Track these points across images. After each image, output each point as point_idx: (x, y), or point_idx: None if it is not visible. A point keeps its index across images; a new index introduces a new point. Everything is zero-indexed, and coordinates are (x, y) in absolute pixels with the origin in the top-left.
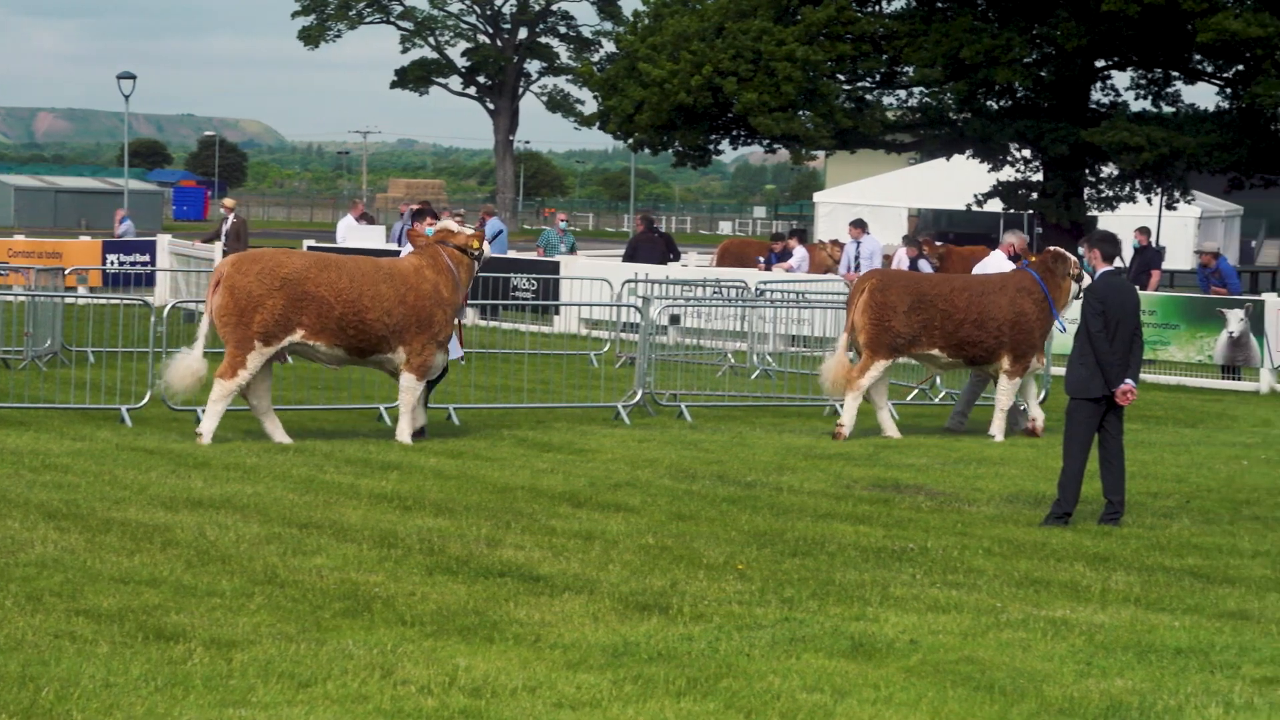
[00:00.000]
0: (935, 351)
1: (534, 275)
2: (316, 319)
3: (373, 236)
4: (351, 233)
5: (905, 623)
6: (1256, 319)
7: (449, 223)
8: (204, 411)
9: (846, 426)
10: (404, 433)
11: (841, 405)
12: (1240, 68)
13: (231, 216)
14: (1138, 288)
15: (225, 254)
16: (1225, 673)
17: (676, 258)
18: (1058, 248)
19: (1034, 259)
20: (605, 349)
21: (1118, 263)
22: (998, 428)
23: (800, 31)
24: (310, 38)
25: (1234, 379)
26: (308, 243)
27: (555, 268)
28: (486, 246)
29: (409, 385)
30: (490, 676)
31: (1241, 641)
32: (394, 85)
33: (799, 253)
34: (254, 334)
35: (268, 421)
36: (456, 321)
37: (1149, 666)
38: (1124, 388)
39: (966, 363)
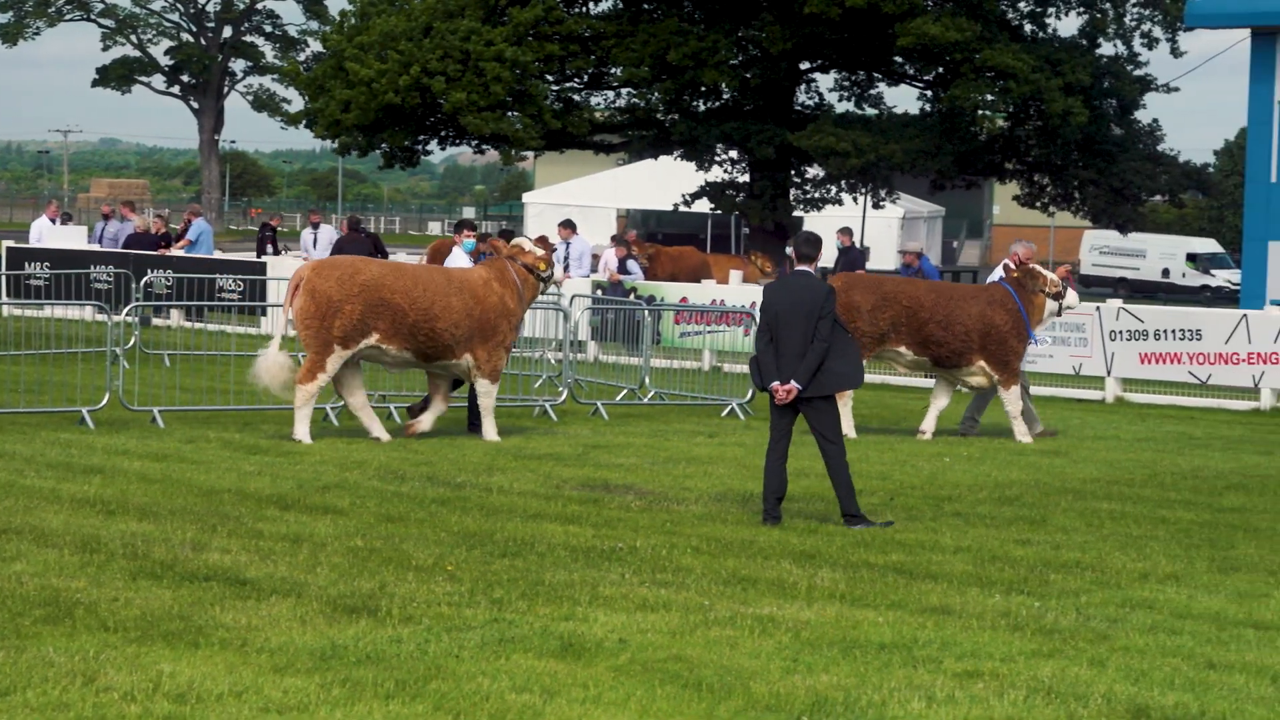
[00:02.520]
0: (902, 349)
1: (240, 276)
2: (390, 325)
3: (73, 237)
4: (48, 233)
5: (614, 622)
6: None
7: (523, 241)
8: None
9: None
10: (490, 431)
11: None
12: (940, 70)
13: None
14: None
15: None
16: (928, 667)
17: (384, 258)
18: (1032, 265)
19: (1015, 273)
20: None
21: (836, 264)
22: (1021, 432)
23: (509, 32)
24: (8, 35)
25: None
26: (6, 243)
27: (262, 268)
28: (558, 270)
29: (485, 390)
30: (195, 682)
31: (943, 636)
32: (95, 84)
33: None
34: (333, 337)
35: (365, 416)
36: None
37: (854, 662)
38: (775, 386)
39: (933, 363)
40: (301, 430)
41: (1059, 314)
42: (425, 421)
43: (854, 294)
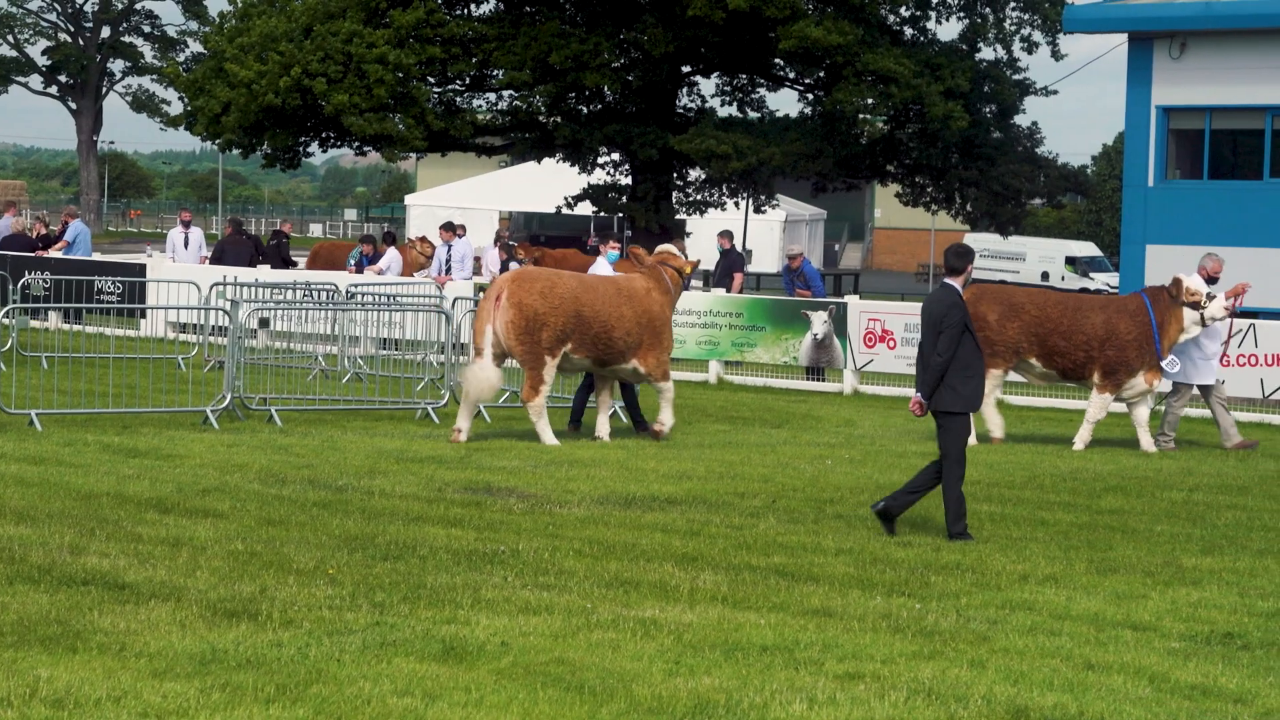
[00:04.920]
0: (1032, 360)
1: (119, 278)
2: (580, 335)
3: None
4: None
5: (496, 625)
6: (840, 321)
7: (671, 247)
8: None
9: (996, 429)
10: (668, 418)
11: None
12: (821, 74)
13: None
14: (724, 291)
15: None
16: (809, 669)
17: (265, 260)
18: (1178, 275)
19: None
20: (194, 352)
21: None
22: (1081, 438)
23: (390, 34)
24: None
25: (818, 380)
26: None
27: (141, 270)
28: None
29: (664, 387)
30: (73, 687)
31: (825, 638)
32: None
33: (390, 255)
34: (542, 349)
35: (540, 423)
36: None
37: (736, 664)
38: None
39: (1060, 375)
40: (547, 437)
41: (1202, 324)
42: (602, 427)
43: (981, 305)
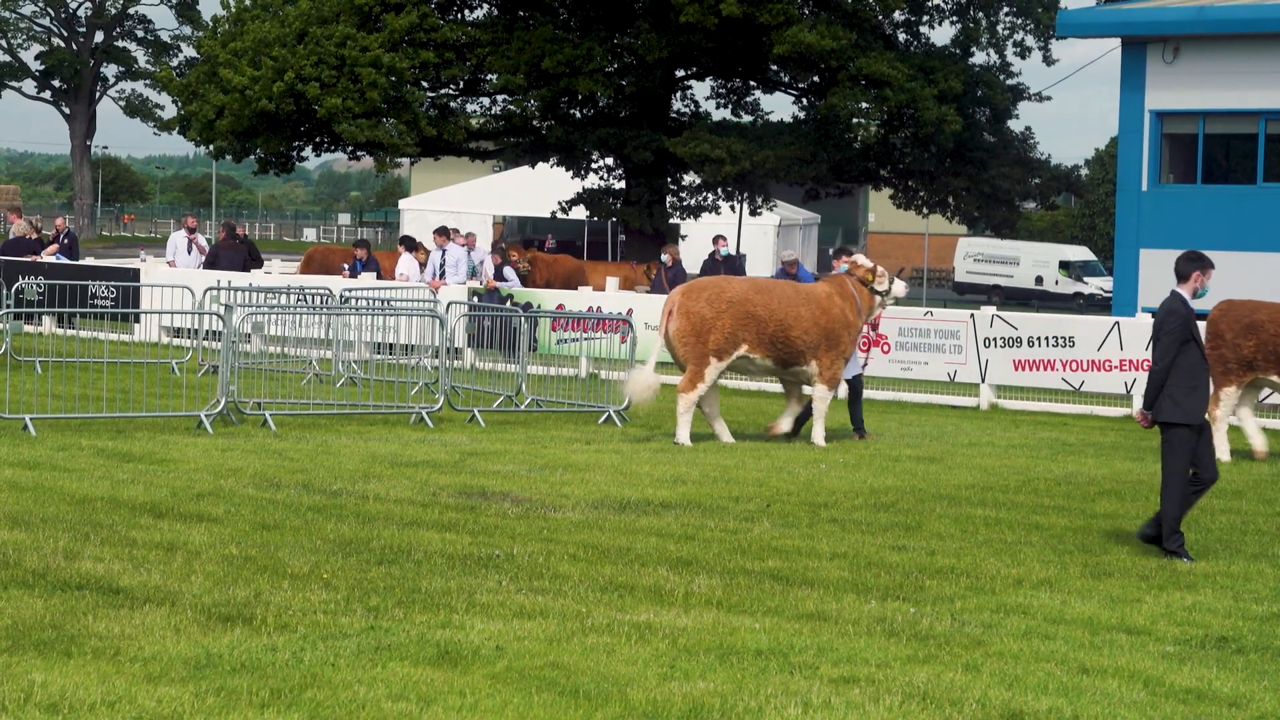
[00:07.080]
0: (1273, 376)
1: (113, 282)
2: (756, 335)
3: None
4: None
5: (491, 629)
6: None
7: (858, 257)
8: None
9: (1258, 443)
10: (819, 436)
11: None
12: (815, 79)
13: None
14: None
15: None
16: (804, 673)
17: (259, 264)
18: None
19: None
20: (188, 357)
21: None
22: None
23: (384, 38)
24: None
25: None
26: None
27: (135, 275)
28: (897, 286)
29: (823, 395)
30: (68, 691)
31: (820, 642)
32: None
33: (405, 260)
34: (709, 351)
35: (716, 424)
36: (863, 339)
37: (730, 668)
38: None
39: None
40: (683, 434)
41: None
42: (784, 423)
43: (1220, 323)
